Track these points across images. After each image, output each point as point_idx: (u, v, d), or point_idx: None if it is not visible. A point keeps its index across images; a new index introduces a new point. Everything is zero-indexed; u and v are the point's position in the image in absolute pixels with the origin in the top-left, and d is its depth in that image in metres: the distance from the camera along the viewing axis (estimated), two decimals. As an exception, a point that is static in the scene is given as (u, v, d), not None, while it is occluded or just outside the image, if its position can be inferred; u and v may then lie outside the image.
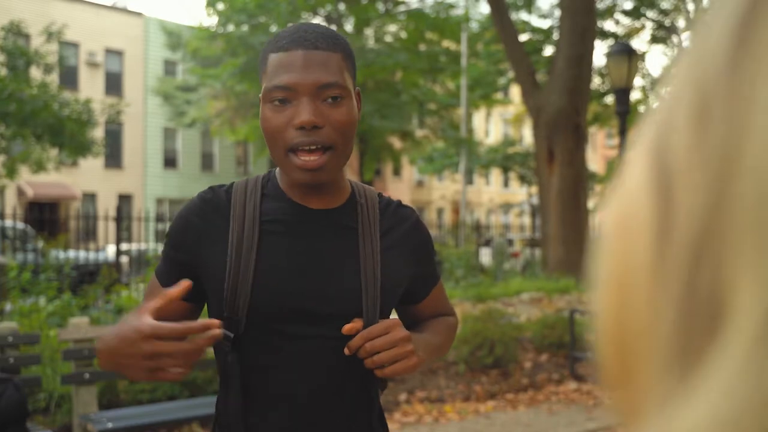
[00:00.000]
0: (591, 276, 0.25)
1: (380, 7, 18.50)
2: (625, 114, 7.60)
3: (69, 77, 22.81)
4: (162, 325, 1.02)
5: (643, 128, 0.24)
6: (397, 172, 31.46)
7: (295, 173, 1.13)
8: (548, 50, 15.02)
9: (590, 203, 12.39)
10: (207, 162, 27.27)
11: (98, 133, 18.68)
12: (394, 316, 1.34)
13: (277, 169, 1.24)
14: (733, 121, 0.20)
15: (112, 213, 19.76)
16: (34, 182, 21.55)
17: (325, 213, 1.20)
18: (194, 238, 1.18)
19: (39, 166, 11.77)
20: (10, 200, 21.38)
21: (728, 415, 0.18)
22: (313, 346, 1.16)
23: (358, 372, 1.18)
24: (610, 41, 15.79)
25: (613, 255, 0.23)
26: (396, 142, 22.24)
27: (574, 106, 7.14)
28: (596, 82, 16.10)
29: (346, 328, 1.14)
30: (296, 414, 1.16)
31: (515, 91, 24.09)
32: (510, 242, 17.18)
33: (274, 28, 16.93)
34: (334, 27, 18.60)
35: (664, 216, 0.21)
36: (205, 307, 1.25)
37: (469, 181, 27.29)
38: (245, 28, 17.05)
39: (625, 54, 7.51)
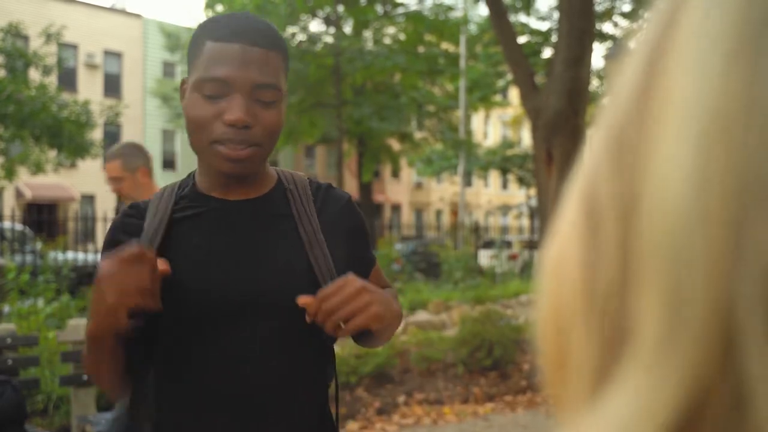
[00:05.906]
0: (534, 308, 0.28)
1: (379, 9, 18.50)
2: (623, 116, 7.57)
3: (68, 79, 22.82)
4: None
5: (581, 168, 0.25)
6: (395, 174, 31.47)
7: (219, 162, 1.09)
8: (547, 52, 15.02)
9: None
10: (206, 163, 27.27)
11: (97, 134, 18.67)
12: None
13: (196, 170, 1.21)
14: (637, 166, 0.21)
15: (111, 214, 19.75)
16: (32, 184, 21.54)
17: (246, 203, 1.16)
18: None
19: (38, 168, 11.76)
20: (9, 202, 21.36)
21: (626, 424, 0.21)
22: (249, 341, 1.10)
23: (301, 366, 1.14)
24: (609, 43, 15.81)
25: (549, 292, 0.26)
26: (395, 144, 22.24)
27: (572, 108, 7.11)
28: (595, 84, 16.12)
29: (302, 300, 1.05)
30: (235, 415, 1.10)
31: (514, 93, 24.11)
32: (508, 244, 17.18)
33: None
34: (332, 29, 18.60)
35: (591, 258, 0.24)
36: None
37: (467, 183, 27.30)
38: (244, 29, 17.03)
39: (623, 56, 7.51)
